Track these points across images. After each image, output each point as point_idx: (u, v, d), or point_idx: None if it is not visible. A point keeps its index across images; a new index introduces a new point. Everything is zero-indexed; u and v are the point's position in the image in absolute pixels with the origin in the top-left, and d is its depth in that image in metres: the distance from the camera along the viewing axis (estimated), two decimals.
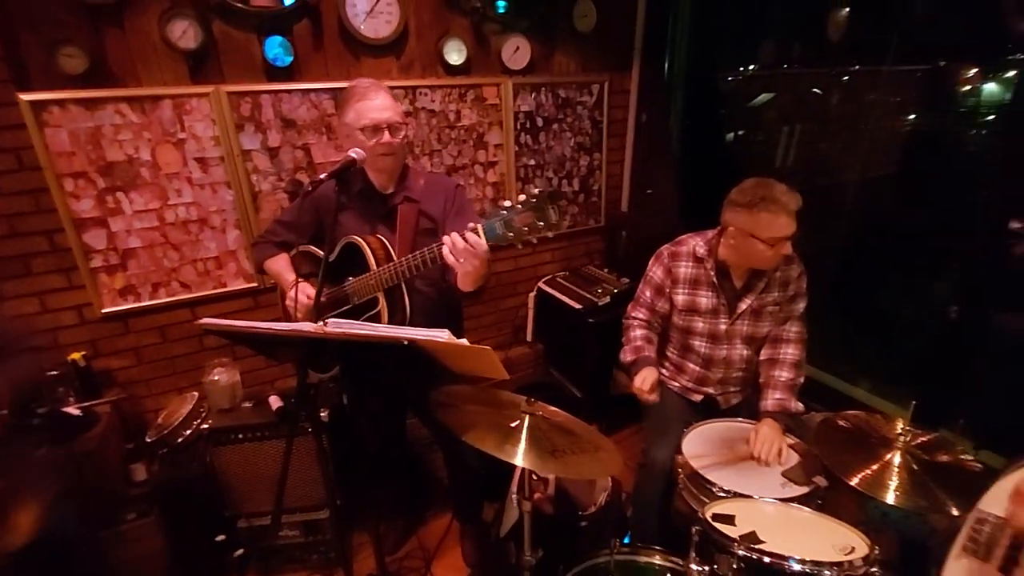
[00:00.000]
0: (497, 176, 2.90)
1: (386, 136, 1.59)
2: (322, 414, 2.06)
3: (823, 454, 1.55)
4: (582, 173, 3.16)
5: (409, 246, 1.66)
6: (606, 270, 3.13)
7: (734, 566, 1.28)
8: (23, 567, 1.40)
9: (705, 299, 1.86)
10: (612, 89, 3.06)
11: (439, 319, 1.47)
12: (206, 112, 2.20)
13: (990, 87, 2.08)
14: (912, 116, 2.41)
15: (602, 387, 2.90)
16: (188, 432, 2.14)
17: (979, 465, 1.43)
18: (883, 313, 2.47)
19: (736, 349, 1.88)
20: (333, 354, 1.42)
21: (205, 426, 2.07)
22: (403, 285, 1.60)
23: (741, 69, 3.02)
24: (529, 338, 3.26)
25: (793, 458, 1.68)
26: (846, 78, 2.57)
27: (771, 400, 1.78)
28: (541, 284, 3.14)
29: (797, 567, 1.21)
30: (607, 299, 2.77)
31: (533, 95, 2.85)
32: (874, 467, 1.43)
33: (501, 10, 2.57)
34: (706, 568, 1.34)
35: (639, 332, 1.95)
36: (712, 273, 1.82)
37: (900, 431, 1.50)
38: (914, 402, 1.53)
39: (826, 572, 1.20)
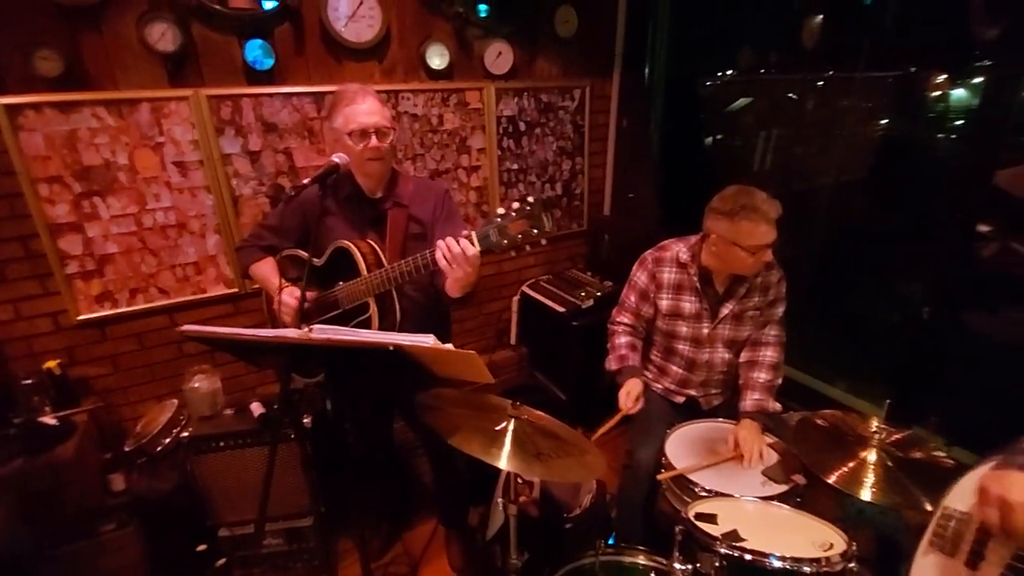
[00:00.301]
0: (480, 180, 2.91)
1: (373, 141, 1.59)
2: (305, 420, 2.04)
3: (801, 453, 1.58)
4: (564, 177, 3.19)
5: (399, 251, 1.66)
6: (589, 273, 3.15)
7: (716, 564, 1.30)
8: None
9: (688, 304, 1.88)
10: (593, 94, 3.09)
11: (428, 324, 1.47)
12: (185, 116, 2.17)
13: (958, 93, 2.15)
14: (884, 121, 2.48)
15: (586, 390, 2.92)
16: (168, 440, 2.11)
17: (951, 461, 1.47)
18: (858, 315, 2.54)
19: (718, 352, 1.92)
20: (318, 360, 1.41)
21: (185, 434, 2.04)
22: (394, 290, 1.60)
23: (719, 75, 3.08)
24: (513, 341, 3.27)
25: (772, 457, 1.72)
26: (821, 83, 2.63)
27: (750, 401, 1.82)
28: (525, 288, 3.15)
29: (778, 564, 1.24)
30: (590, 302, 2.80)
31: (515, 100, 2.86)
32: (850, 465, 1.46)
33: (483, 15, 2.59)
34: (689, 567, 1.36)
35: (624, 339, 1.98)
36: (695, 278, 1.85)
37: (875, 429, 1.53)
38: (888, 401, 1.56)
39: (805, 568, 1.23)
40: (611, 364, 1.97)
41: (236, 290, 2.44)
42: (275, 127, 2.34)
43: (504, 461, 1.25)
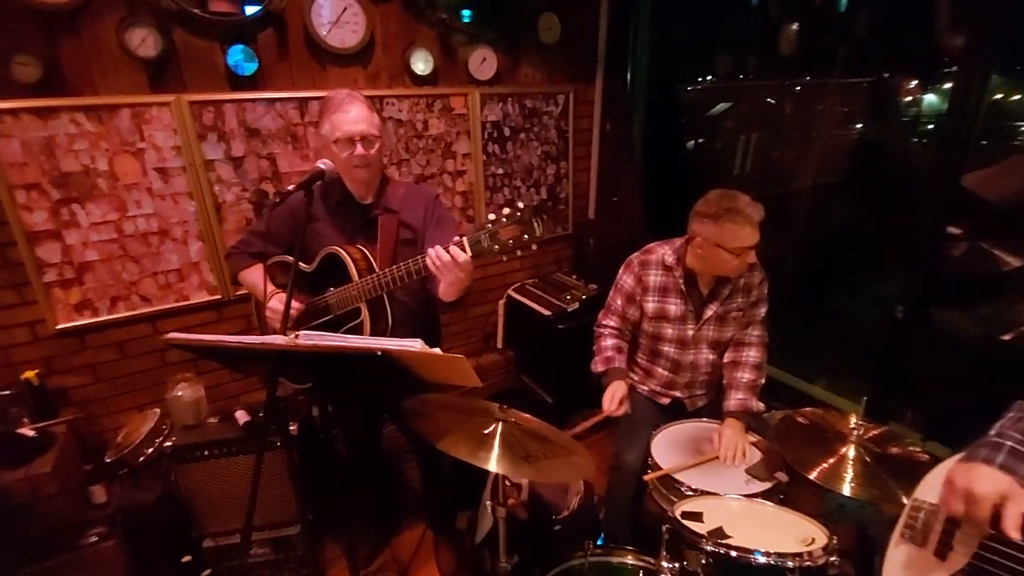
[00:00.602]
0: (466, 185, 2.92)
1: (359, 149, 1.59)
2: (291, 427, 2.03)
3: (783, 450, 1.61)
4: (549, 182, 3.21)
5: (390, 257, 1.66)
6: (574, 277, 3.18)
7: (703, 561, 1.32)
8: None
9: (674, 306, 1.91)
10: (577, 99, 3.12)
11: (418, 328, 1.48)
12: (167, 121, 2.15)
13: (929, 98, 2.22)
14: (859, 125, 2.54)
15: (572, 392, 2.94)
16: (150, 450, 2.08)
17: (926, 456, 1.51)
18: (837, 314, 2.59)
19: (702, 354, 1.95)
20: (305, 366, 1.41)
21: (168, 444, 2.01)
22: (385, 296, 1.60)
23: (699, 80, 3.14)
24: (499, 345, 3.28)
25: (756, 455, 1.75)
26: (798, 89, 2.70)
27: (733, 400, 1.85)
28: (511, 291, 3.17)
29: (762, 559, 1.26)
30: (576, 305, 2.82)
31: (500, 105, 2.88)
32: (831, 461, 1.50)
33: (467, 21, 2.60)
34: (676, 565, 1.38)
35: (610, 342, 2.00)
36: (681, 281, 1.88)
37: (853, 426, 1.57)
38: (866, 398, 1.59)
39: (788, 563, 1.26)
40: (597, 366, 1.98)
41: (220, 297, 2.42)
42: (258, 132, 2.33)
43: (493, 464, 1.26)
